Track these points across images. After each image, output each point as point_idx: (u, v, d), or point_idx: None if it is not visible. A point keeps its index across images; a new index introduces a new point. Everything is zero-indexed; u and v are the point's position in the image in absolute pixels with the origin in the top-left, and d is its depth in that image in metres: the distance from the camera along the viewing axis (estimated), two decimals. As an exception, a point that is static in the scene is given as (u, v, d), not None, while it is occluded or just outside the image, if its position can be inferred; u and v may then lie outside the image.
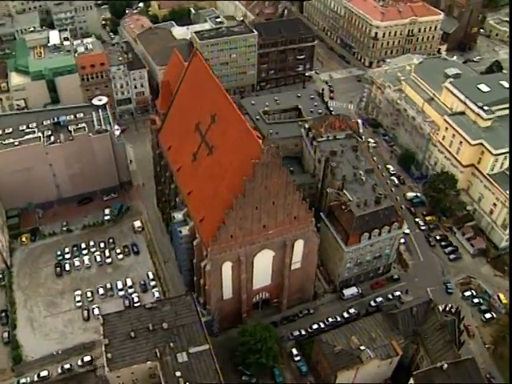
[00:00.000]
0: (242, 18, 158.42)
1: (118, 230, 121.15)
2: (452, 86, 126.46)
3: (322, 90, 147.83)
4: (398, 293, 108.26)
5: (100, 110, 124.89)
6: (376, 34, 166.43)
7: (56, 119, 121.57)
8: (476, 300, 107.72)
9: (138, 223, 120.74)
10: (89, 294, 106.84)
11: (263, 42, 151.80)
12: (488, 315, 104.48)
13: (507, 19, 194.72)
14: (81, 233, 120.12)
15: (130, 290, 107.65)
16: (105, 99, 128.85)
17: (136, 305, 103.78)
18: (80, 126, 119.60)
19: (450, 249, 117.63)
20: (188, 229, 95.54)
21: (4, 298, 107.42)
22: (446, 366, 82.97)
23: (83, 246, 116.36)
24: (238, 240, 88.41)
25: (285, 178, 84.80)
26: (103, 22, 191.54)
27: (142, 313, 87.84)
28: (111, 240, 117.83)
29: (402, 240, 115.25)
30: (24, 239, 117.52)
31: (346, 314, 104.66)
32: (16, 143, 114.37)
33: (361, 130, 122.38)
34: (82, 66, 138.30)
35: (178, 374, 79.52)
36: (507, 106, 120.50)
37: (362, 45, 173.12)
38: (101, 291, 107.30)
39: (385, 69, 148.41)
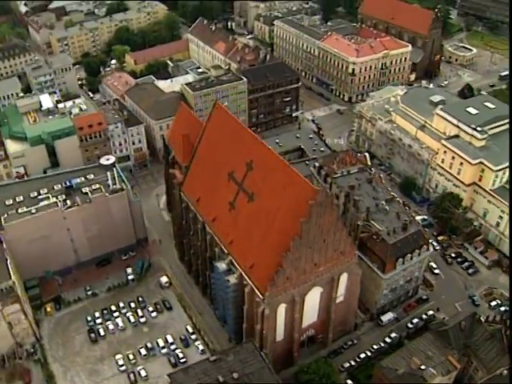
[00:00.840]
0: (227, 67, 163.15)
1: (145, 287, 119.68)
2: (443, 112, 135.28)
3: (318, 128, 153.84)
4: (430, 312, 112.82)
5: (109, 170, 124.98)
6: (353, 69, 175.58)
7: (68, 183, 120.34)
8: (502, 308, 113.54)
9: (164, 279, 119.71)
10: (131, 357, 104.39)
11: (252, 88, 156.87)
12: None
13: (462, 44, 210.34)
14: (106, 295, 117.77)
15: (173, 347, 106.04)
16: (112, 158, 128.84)
17: (181, 360, 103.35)
18: (95, 187, 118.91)
19: (466, 264, 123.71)
20: (236, 277, 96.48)
21: (41, 372, 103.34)
22: (505, 372, 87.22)
23: (113, 308, 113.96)
24: (292, 281, 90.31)
25: (335, 216, 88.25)
26: (79, 82, 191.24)
27: (207, 366, 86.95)
28: (140, 299, 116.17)
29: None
30: (49, 309, 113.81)
31: (388, 339, 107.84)
32: (33, 211, 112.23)
33: (369, 163, 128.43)
34: (79, 127, 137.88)
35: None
36: (497, 125, 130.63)
37: (340, 81, 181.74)
38: (143, 352, 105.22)
39: (371, 102, 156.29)
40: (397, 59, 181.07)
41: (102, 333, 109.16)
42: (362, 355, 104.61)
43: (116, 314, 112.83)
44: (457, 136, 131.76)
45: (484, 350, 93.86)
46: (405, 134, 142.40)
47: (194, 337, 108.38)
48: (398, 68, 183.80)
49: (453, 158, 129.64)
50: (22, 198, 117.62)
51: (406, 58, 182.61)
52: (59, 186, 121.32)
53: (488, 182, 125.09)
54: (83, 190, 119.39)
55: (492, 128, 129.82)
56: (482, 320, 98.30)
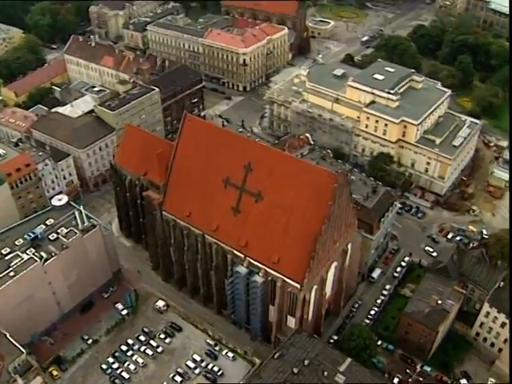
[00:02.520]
0: (132, 80, 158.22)
1: (143, 317, 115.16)
2: (355, 82, 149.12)
3: (227, 121, 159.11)
4: (407, 258, 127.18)
5: (64, 210, 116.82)
6: (244, 60, 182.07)
7: (32, 234, 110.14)
8: (458, 238, 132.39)
9: (160, 303, 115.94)
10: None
11: (164, 96, 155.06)
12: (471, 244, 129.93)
13: (320, 18, 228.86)
14: (109, 338, 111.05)
15: (203, 364, 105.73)
16: (65, 197, 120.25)
17: (219, 373, 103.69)
18: (66, 230, 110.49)
19: (413, 210, 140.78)
20: (261, 276, 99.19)
21: None
22: (502, 283, 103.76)
23: (124, 348, 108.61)
24: (321, 262, 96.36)
25: (349, 192, 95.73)
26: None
27: (275, 364, 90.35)
28: (146, 329, 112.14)
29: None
30: (55, 373, 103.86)
31: (384, 292, 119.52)
32: (11, 274, 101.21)
33: (312, 142, 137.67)
34: (7, 174, 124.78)
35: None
36: (402, 85, 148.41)
37: (232, 73, 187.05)
38: (177, 379, 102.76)
39: (277, 87, 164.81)
40: (278, 43, 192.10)
41: (126, 376, 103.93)
42: (372, 312, 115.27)
43: (130, 353, 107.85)
44: (373, 102, 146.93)
45: (475, 272, 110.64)
46: (322, 109, 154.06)
47: (217, 348, 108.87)
48: (280, 51, 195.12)
49: (376, 121, 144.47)
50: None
51: (285, 40, 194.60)
52: (20, 240, 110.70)
53: (411, 135, 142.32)
54: (51, 238, 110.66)
55: (399, 88, 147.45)
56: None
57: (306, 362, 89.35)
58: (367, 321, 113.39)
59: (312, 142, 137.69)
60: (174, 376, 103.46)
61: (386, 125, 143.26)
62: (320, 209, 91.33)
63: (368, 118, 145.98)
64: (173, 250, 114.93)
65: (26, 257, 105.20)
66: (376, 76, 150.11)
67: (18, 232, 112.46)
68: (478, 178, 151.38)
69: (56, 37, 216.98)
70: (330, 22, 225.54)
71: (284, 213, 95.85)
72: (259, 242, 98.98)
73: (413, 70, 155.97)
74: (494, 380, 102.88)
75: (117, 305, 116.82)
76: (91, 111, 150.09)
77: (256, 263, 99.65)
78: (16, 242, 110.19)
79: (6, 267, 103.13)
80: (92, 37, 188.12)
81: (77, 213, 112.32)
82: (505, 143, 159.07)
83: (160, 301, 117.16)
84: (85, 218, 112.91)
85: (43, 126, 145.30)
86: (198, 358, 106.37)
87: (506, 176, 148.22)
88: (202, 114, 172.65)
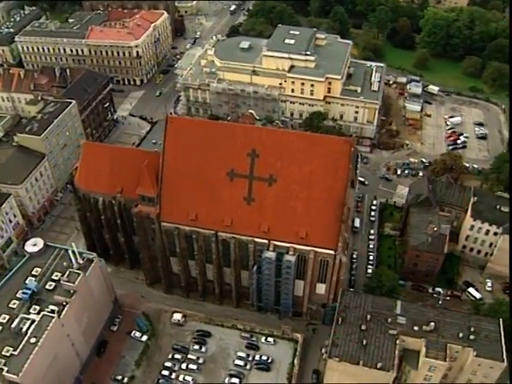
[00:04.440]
0: (39, 96, 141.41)
1: (166, 336, 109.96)
2: (270, 51, 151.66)
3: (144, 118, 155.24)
4: (374, 201, 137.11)
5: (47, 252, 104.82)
6: (137, 52, 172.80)
7: (27, 290, 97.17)
8: (406, 171, 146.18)
9: (177, 315, 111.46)
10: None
11: (81, 107, 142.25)
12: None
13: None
14: (143, 369, 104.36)
15: (257, 357, 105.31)
16: (39, 240, 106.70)
17: (269, 361, 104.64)
18: (66, 274, 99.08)
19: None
20: (292, 254, 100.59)
21: None
22: (475, 198, 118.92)
23: (165, 373, 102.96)
24: (346, 224, 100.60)
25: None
26: None
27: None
28: (176, 347, 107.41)
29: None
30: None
31: (372, 237, 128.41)
32: (32, 340, 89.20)
33: (257, 117, 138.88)
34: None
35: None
36: (312, 45, 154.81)
37: (126, 69, 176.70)
38: (235, 380, 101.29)
39: (187, 72, 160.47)
40: (162, 27, 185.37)
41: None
42: (371, 257, 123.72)
43: (174, 375, 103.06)
44: (293, 67, 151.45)
45: (449, 195, 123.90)
46: (242, 84, 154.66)
47: (254, 338, 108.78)
48: (164, 36, 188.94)
49: (302, 84, 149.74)
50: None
51: (166, 25, 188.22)
52: (15, 301, 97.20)
53: (336, 90, 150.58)
54: (48, 287, 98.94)
55: (311, 48, 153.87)
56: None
57: (368, 317, 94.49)
58: (370, 266, 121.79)
59: (257, 117, 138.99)
60: (231, 379, 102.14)
61: (312, 85, 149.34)
62: (340, 175, 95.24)
63: (293, 82, 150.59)
64: (178, 259, 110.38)
65: (35, 317, 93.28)
66: (287, 41, 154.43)
67: (6, 294, 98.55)
68: (394, 115, 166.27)
69: None
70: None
71: (302, 188, 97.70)
72: (282, 222, 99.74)
73: (315, 29, 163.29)
74: (490, 280, 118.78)
75: (132, 333, 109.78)
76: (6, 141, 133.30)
77: (282, 244, 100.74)
78: (11, 305, 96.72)
79: (22, 335, 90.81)
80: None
81: (70, 252, 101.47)
82: (403, 79, 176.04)
83: (176, 314, 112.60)
84: (78, 255, 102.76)
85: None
86: (242, 354, 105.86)
87: (417, 108, 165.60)
88: (115, 117, 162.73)
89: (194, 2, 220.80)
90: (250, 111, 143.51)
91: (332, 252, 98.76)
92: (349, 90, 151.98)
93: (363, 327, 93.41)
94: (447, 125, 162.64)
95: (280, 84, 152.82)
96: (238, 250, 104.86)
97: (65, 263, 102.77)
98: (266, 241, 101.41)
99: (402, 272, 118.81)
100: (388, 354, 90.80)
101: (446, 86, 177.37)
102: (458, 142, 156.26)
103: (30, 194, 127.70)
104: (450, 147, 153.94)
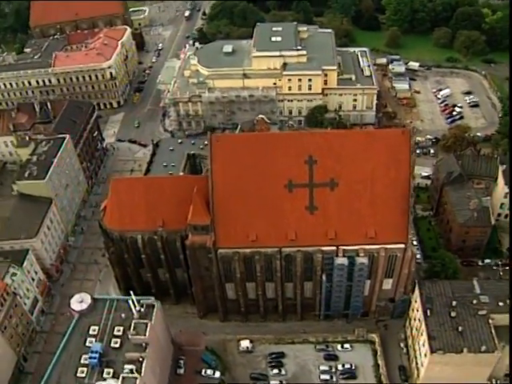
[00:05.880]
0: (27, 137, 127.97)
1: (239, 366, 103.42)
2: (259, 52, 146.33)
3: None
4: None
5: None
6: (111, 73, 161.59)
7: (94, 354, 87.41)
8: (417, 151, 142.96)
9: (244, 343, 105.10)
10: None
11: (75, 141, 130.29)
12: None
13: (132, 9, 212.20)
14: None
15: (340, 367, 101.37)
16: (85, 294, 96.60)
17: (353, 368, 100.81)
18: (132, 327, 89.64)
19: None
20: (363, 256, 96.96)
21: None
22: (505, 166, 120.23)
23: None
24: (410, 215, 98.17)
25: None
26: None
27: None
28: (253, 375, 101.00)
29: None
30: None
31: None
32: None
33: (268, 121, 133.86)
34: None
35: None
36: (300, 39, 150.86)
37: (101, 92, 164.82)
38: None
39: (173, 87, 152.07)
40: (128, 44, 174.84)
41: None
42: (414, 242, 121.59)
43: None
44: (285, 64, 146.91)
45: (477, 168, 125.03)
46: (235, 90, 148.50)
47: (330, 348, 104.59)
48: (131, 52, 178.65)
49: (299, 80, 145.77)
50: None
51: (131, 41, 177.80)
52: (83, 368, 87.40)
53: (333, 81, 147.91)
54: (114, 346, 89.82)
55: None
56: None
57: (454, 303, 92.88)
58: (417, 251, 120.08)
59: (268, 121, 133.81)
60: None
61: (309, 80, 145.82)
62: (403, 167, 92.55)
63: (290, 79, 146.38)
64: (235, 284, 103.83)
65: (114, 382, 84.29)
66: (274, 39, 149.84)
67: (68, 363, 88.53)
68: (385, 97, 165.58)
69: None
70: (144, 10, 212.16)
71: (365, 187, 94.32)
72: (349, 226, 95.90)
73: (295, 22, 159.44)
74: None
75: (203, 372, 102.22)
76: None
77: (350, 248, 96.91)
78: (79, 374, 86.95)
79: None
80: None
81: (130, 302, 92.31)
82: (383, 60, 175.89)
83: (242, 341, 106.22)
84: (136, 302, 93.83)
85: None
86: (325, 368, 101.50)
87: (406, 86, 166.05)
88: (105, 145, 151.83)
89: (146, 12, 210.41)
90: (261, 116, 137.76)
91: (403, 246, 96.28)
92: (344, 80, 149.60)
93: (453, 314, 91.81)
94: (438, 98, 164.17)
95: (274, 84, 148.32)
96: (303, 262, 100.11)
97: (122, 314, 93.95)
98: (333, 247, 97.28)
99: (448, 250, 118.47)
100: (486, 335, 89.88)
101: (422, 60, 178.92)
102: (454, 113, 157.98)
103: (46, 245, 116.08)
104: (449, 120, 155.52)
